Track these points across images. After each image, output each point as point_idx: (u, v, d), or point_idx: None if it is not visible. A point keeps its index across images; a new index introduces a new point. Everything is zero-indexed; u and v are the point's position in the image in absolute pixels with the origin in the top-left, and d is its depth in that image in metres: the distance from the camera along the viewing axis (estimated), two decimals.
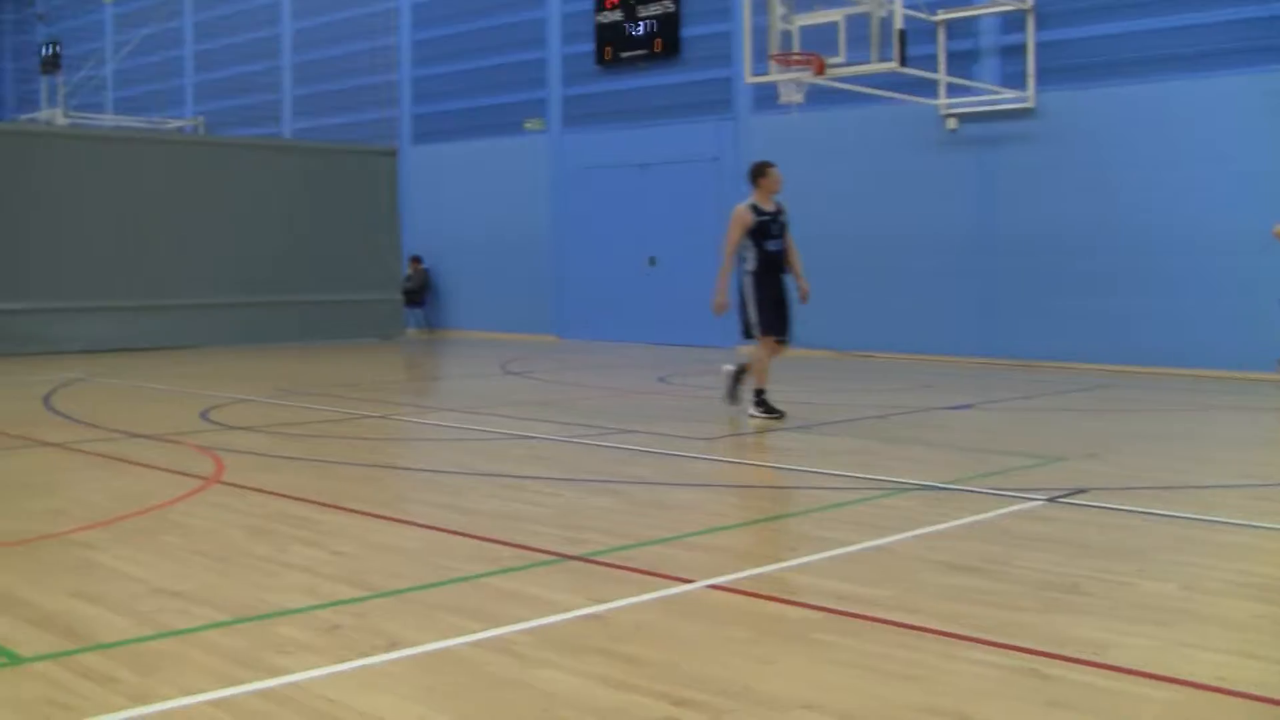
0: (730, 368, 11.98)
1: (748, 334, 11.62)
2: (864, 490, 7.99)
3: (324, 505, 7.47)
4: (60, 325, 19.97)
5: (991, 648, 4.65)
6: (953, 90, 17.96)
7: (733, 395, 11.85)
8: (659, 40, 21.43)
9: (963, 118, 18.06)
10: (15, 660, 4.53)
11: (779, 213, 11.59)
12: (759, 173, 11.61)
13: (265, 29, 28.98)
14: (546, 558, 6.13)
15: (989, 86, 17.59)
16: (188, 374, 16.43)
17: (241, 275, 21.85)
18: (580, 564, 6.02)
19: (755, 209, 11.47)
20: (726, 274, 11.52)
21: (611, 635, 4.86)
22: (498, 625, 4.94)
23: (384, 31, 26.18)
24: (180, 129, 29.34)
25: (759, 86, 18.75)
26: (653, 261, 21.76)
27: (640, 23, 21.68)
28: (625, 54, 21.96)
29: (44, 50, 31.25)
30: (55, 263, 19.96)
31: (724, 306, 11.45)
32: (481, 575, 5.77)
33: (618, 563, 6.02)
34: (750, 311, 11.48)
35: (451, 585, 5.62)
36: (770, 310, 11.49)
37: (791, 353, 12.39)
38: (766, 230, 11.44)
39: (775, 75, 16.20)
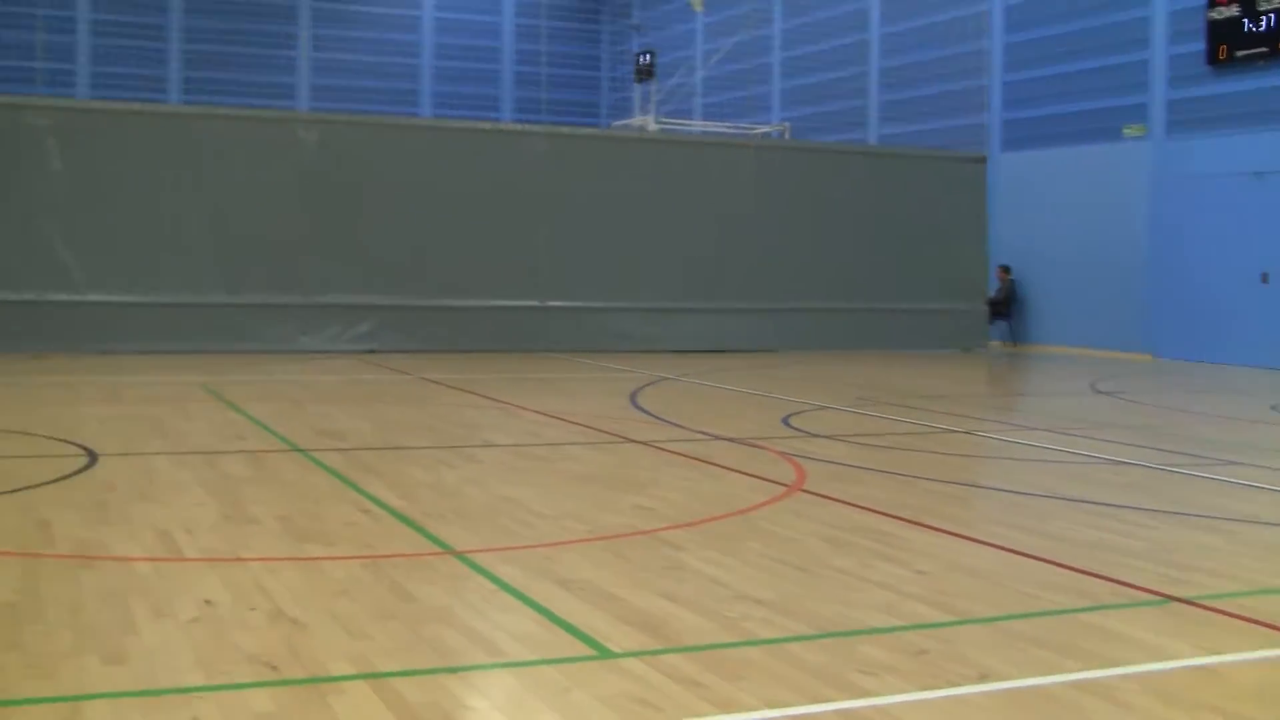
0: None
1: None
2: None
3: (905, 521, 7.29)
4: (652, 324, 20.94)
5: None
6: None
7: None
8: None
9: None
10: (606, 654, 4.62)
11: None
12: None
13: (853, 34, 29.25)
14: (1147, 597, 5.67)
15: None
16: (769, 378, 16.76)
17: (823, 280, 22.13)
18: (1186, 607, 5.51)
19: None
20: None
21: (1228, 692, 4.40)
22: (1097, 667, 4.59)
23: (975, 35, 25.78)
24: (766, 134, 30.10)
25: None
26: (1265, 278, 20.18)
27: (1262, 18, 20.10)
28: (1241, 52, 20.45)
29: (639, 59, 32.96)
30: (647, 264, 20.94)
31: None
32: (1076, 610, 5.41)
33: (1232, 610, 5.47)
34: None
35: (1043, 617, 5.29)
36: None
37: None
38: None
39: None
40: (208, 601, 5.18)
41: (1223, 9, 20.72)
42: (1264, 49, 20.13)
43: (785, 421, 11.94)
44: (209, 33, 34.69)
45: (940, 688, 4.32)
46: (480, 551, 6.25)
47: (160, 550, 6.14)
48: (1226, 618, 5.38)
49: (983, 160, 24.03)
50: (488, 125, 21.75)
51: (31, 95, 18.55)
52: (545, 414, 12.22)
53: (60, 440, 9.73)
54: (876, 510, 7.56)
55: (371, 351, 18.99)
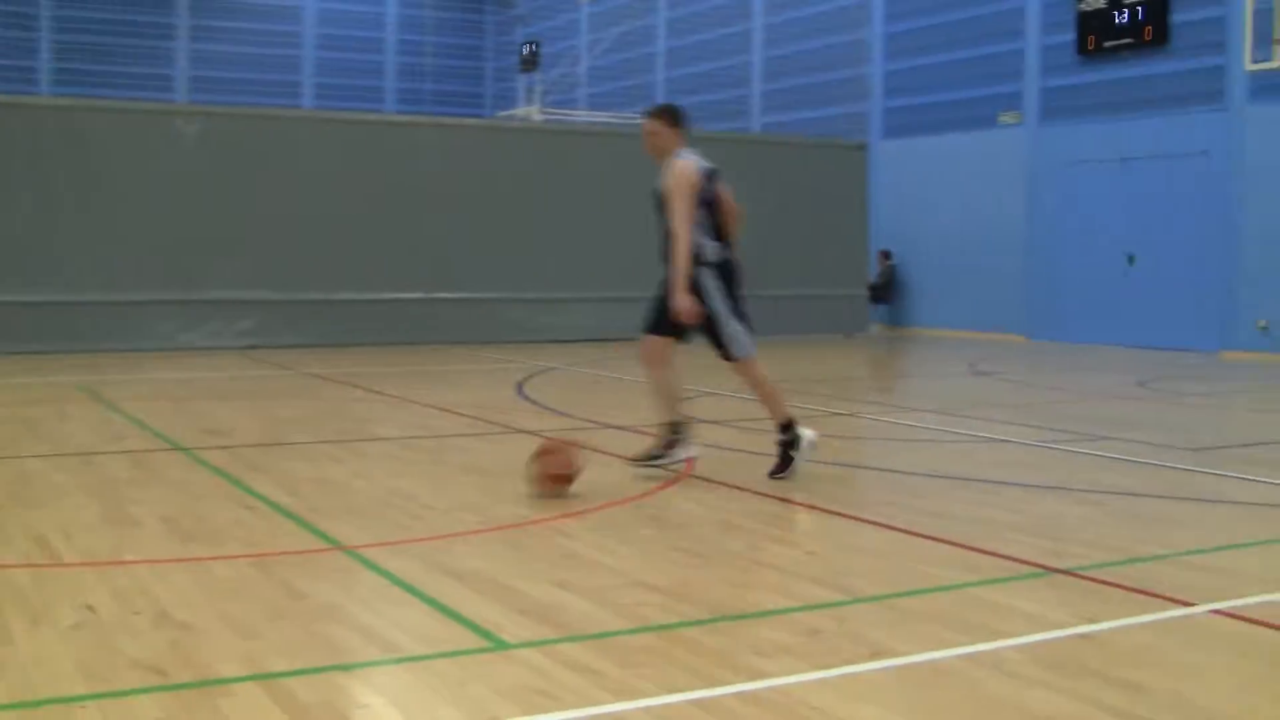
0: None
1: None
2: None
3: (794, 503, 7.38)
4: (540, 314, 20.90)
5: None
6: None
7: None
8: (1147, 28, 20.29)
9: None
10: (501, 646, 4.61)
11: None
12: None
13: (737, 24, 29.43)
14: (1029, 569, 5.79)
15: None
16: None
17: None
18: (1066, 578, 5.64)
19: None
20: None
21: (1108, 658, 4.51)
22: (986, 639, 4.68)
23: (856, 25, 26.05)
24: None
25: (1258, 75, 17.76)
26: (1131, 260, 20.70)
27: (1126, 9, 20.60)
28: (1109, 43, 20.94)
29: (523, 50, 32.88)
30: (533, 254, 20.88)
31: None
32: (963, 585, 5.50)
33: (1108, 579, 5.61)
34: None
35: (932, 593, 5.37)
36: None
37: None
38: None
39: None
40: (89, 607, 5.04)
41: (1092, 1, 21.18)
42: (1130, 40, 20.63)
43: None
44: (82, 22, 34.03)
45: (835, 666, 4.37)
46: (370, 546, 6.19)
47: (38, 556, 5.98)
48: (1101, 586, 5.52)
49: (863, 148, 24.27)
50: (373, 117, 21.51)
51: None
52: (433, 406, 12.15)
53: None
54: (765, 494, 7.63)
55: (254, 347, 18.73)
